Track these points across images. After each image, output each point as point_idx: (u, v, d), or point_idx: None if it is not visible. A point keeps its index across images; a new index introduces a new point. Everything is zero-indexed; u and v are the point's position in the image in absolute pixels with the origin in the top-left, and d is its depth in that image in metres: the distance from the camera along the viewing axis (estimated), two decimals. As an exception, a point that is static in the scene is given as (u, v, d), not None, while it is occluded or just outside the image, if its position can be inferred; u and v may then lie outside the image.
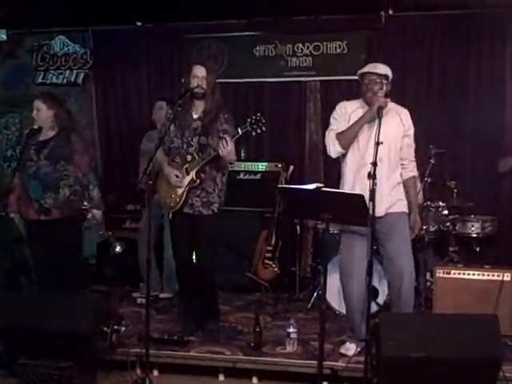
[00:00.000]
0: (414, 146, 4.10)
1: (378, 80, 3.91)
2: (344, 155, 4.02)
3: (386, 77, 3.94)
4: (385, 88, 3.93)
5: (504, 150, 5.56)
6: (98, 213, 4.44)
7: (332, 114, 4.10)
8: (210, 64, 4.90)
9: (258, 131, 4.06)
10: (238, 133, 4.09)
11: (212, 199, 4.28)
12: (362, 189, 3.68)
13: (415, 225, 4.04)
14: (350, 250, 3.95)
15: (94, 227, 4.50)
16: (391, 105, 3.99)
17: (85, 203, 4.38)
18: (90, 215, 4.41)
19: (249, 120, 4.05)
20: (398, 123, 3.99)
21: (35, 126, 4.45)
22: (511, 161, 5.38)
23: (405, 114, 4.06)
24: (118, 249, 4.50)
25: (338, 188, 4.02)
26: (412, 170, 4.10)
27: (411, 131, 4.06)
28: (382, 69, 3.95)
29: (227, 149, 4.01)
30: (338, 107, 4.10)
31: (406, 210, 4.02)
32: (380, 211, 3.76)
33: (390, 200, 3.93)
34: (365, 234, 3.71)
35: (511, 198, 5.81)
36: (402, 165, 4.05)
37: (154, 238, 5.26)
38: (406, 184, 4.07)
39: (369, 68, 3.96)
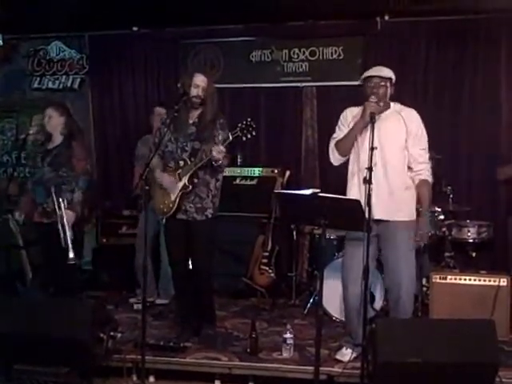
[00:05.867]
0: (424, 147, 3.97)
1: (383, 83, 3.90)
2: (347, 160, 4.03)
3: (390, 79, 3.94)
4: (389, 91, 3.94)
5: (502, 156, 5.57)
6: (70, 214, 4.42)
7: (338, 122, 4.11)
8: (210, 74, 4.91)
9: (249, 136, 4.01)
10: (229, 138, 4.05)
11: (206, 205, 4.28)
12: (358, 193, 3.69)
13: (422, 228, 3.92)
14: (352, 252, 3.91)
15: (60, 227, 4.38)
16: (395, 106, 3.99)
17: (60, 199, 4.39)
18: (60, 212, 4.38)
19: (239, 125, 4.01)
20: (399, 125, 3.92)
21: (30, 131, 4.74)
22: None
23: (408, 114, 3.97)
24: (71, 256, 4.35)
25: (340, 191, 4.01)
26: (421, 174, 3.94)
27: (416, 131, 3.93)
28: (387, 72, 3.95)
29: (222, 154, 4.01)
30: (341, 115, 4.09)
31: (410, 218, 3.94)
32: (379, 214, 3.76)
33: (391, 205, 3.86)
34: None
35: (507, 202, 5.82)
36: (410, 168, 3.94)
37: (151, 243, 5.26)
38: (418, 189, 3.96)
39: (374, 71, 3.95)
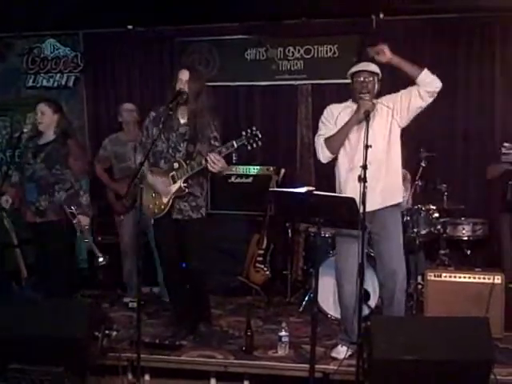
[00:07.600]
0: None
1: (371, 78, 3.93)
2: (336, 157, 4.03)
3: (377, 75, 3.97)
4: (377, 87, 3.96)
5: (494, 155, 5.57)
6: (84, 219, 4.45)
7: (320, 119, 4.11)
8: (196, 69, 4.90)
9: (254, 146, 3.98)
10: (233, 146, 4.02)
11: (200, 203, 4.28)
12: (352, 191, 3.70)
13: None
14: (346, 251, 3.93)
15: (80, 234, 4.47)
16: (378, 100, 4.00)
17: (72, 208, 4.40)
18: (75, 220, 4.41)
19: (244, 134, 3.98)
20: (387, 115, 3.96)
21: (25, 130, 4.62)
22: (499, 168, 5.28)
23: (388, 98, 4.01)
24: (100, 259, 4.46)
25: (335, 189, 4.02)
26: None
27: (401, 93, 3.97)
28: (374, 67, 3.98)
29: (218, 165, 3.99)
30: (324, 111, 4.11)
31: (396, 200, 4.00)
32: (372, 206, 3.77)
33: (382, 196, 3.91)
34: (360, 235, 3.70)
35: (502, 200, 5.82)
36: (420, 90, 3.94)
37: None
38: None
39: (362, 66, 3.98)
